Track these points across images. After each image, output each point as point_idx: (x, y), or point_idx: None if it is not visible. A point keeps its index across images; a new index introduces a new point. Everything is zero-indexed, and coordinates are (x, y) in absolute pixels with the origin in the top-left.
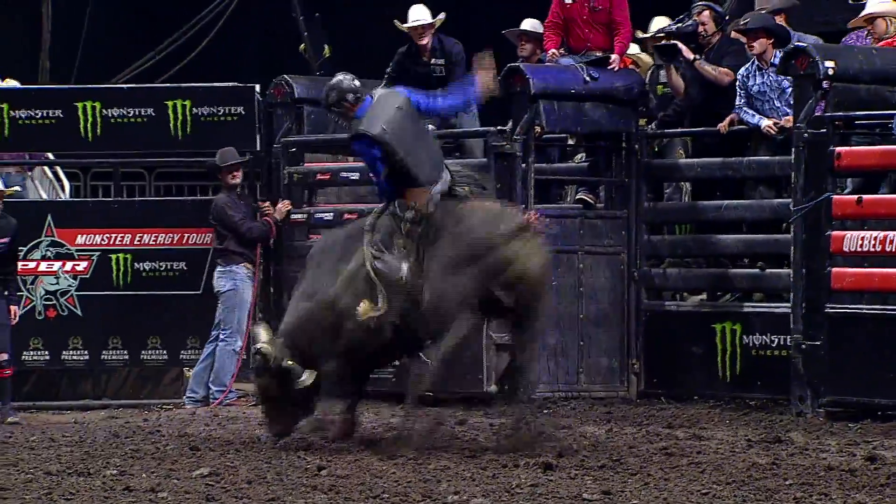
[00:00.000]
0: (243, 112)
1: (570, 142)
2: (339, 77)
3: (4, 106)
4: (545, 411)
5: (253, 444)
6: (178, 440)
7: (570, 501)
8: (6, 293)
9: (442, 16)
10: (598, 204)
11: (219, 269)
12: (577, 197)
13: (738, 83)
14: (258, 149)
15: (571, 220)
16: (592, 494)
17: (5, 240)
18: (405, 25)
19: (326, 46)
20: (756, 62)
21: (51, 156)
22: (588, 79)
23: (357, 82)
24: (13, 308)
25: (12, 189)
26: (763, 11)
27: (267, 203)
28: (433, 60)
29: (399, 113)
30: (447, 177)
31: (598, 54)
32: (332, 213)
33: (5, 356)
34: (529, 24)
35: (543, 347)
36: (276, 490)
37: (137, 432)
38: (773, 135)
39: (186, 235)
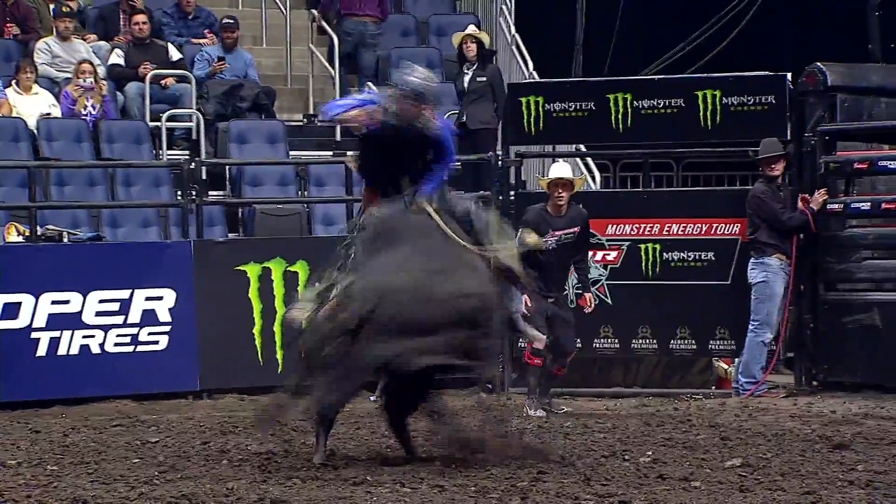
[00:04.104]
0: (773, 101)
1: None
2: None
3: (540, 99)
4: None
5: (784, 436)
6: (709, 430)
7: None
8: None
9: None
10: None
11: (752, 260)
12: None
13: None
14: (788, 138)
15: None
16: None
17: (574, 230)
18: None
19: None
20: None
21: (582, 147)
22: None
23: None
24: (587, 296)
25: (580, 178)
26: None
27: (804, 194)
28: None
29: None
30: None
31: None
32: (868, 203)
33: (571, 356)
34: None
35: None
36: (810, 484)
37: (668, 421)
38: None
39: (715, 226)
